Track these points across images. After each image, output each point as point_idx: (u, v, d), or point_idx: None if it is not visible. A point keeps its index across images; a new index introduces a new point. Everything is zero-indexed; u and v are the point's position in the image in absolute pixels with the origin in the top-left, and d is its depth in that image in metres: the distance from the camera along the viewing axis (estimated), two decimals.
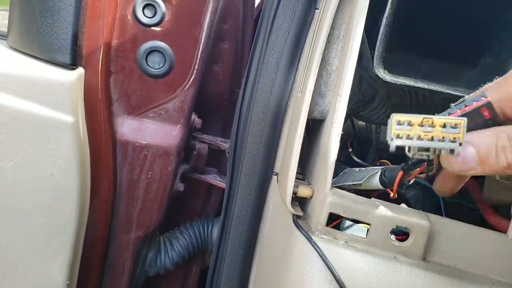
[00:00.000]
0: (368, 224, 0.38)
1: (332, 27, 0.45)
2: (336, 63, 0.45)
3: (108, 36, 0.65)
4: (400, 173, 0.42)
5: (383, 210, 0.38)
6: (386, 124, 0.73)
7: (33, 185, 0.62)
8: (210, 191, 0.90)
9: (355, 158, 0.60)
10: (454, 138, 0.31)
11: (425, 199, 0.57)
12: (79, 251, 0.68)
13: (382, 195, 0.52)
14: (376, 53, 0.45)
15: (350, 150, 0.59)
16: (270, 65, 0.59)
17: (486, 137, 0.31)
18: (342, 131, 0.42)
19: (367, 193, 0.46)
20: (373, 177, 0.46)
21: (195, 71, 0.71)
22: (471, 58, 0.58)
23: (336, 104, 0.42)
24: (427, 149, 0.32)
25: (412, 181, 0.43)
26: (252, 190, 0.64)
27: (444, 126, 0.31)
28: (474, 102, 0.34)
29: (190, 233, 0.86)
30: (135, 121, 0.71)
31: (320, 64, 0.44)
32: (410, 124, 0.31)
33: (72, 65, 0.62)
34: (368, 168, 0.51)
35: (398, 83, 0.46)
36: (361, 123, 0.72)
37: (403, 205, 0.42)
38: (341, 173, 0.57)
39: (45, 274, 0.64)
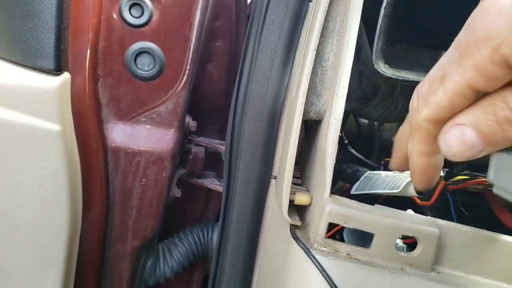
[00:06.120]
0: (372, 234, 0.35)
1: (327, 20, 0.41)
2: (332, 59, 0.42)
3: (94, 39, 0.62)
4: (442, 183, 0.39)
5: (387, 218, 0.35)
6: (389, 121, 0.69)
7: (21, 198, 0.59)
8: (209, 195, 0.87)
9: (353, 151, 0.56)
10: None
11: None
12: (72, 265, 0.65)
13: (388, 199, 0.49)
14: (375, 47, 0.42)
15: (346, 141, 0.55)
16: (264, 63, 0.56)
17: (482, 113, 0.25)
18: (344, 128, 0.39)
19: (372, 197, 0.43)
20: (409, 184, 0.43)
21: (187, 71, 0.68)
22: None
23: (333, 104, 0.39)
24: None
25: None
26: (250, 196, 0.61)
27: None
28: None
29: (189, 240, 0.83)
30: (126, 126, 0.68)
31: (315, 60, 0.41)
32: None
33: (57, 71, 0.59)
34: (396, 173, 0.47)
35: (400, 78, 0.42)
36: (362, 120, 0.69)
37: (409, 211, 0.39)
38: (362, 178, 0.53)
39: None
